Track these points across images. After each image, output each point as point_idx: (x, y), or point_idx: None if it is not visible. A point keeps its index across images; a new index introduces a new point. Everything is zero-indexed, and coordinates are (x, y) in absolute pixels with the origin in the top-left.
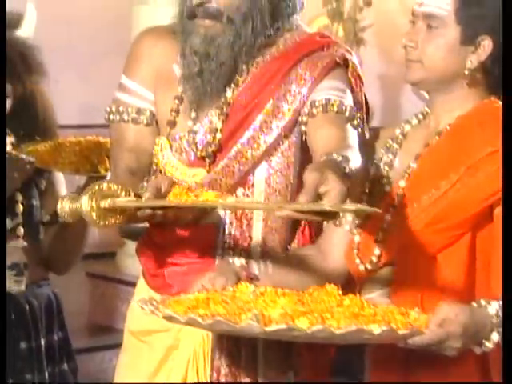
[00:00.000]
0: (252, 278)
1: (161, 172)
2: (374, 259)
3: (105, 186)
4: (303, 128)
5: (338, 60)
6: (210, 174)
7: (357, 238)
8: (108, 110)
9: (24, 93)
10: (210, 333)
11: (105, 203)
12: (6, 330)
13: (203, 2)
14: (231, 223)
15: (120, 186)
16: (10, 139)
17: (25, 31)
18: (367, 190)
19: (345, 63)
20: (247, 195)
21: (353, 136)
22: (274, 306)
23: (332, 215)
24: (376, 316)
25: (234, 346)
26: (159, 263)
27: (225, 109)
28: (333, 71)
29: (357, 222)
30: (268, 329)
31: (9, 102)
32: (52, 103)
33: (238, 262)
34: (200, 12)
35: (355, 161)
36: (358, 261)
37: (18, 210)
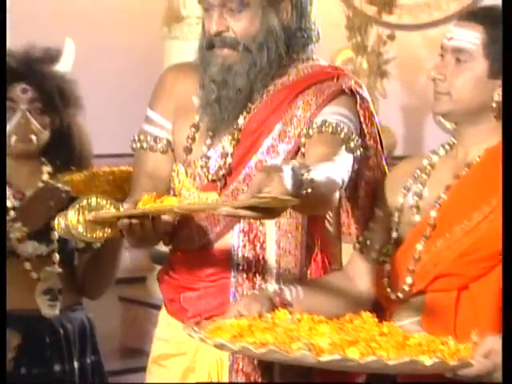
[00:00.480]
0: (285, 304)
1: (176, 197)
2: (406, 288)
3: (93, 200)
4: (302, 150)
5: (345, 89)
6: (221, 198)
7: (387, 267)
8: (132, 138)
9: (61, 125)
10: (224, 355)
11: (89, 216)
12: (6, 331)
13: (221, 32)
14: (244, 246)
15: (110, 201)
16: (46, 169)
17: (63, 66)
18: (397, 219)
19: (353, 94)
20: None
21: (342, 155)
22: (318, 334)
23: (272, 213)
24: (422, 346)
25: (250, 367)
26: (175, 288)
27: (236, 134)
28: (338, 98)
29: (384, 250)
30: (322, 359)
31: (46, 134)
32: (87, 134)
33: (271, 287)
34: (218, 42)
35: (323, 173)
36: (388, 289)
37: (54, 237)
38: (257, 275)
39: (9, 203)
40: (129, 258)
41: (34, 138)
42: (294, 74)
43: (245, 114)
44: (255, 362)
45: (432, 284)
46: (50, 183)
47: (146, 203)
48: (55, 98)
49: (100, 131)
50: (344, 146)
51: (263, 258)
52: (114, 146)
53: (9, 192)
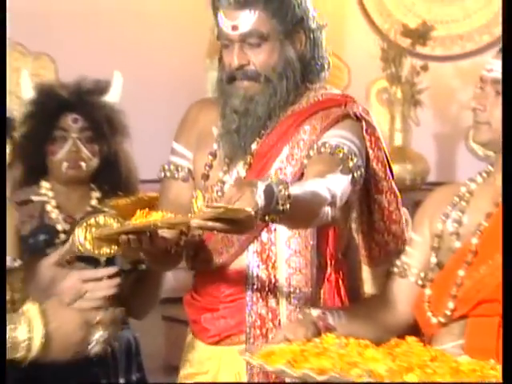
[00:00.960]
0: (329, 328)
1: None
2: (448, 313)
3: (101, 218)
4: (304, 170)
5: (350, 114)
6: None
7: (427, 291)
8: (160, 168)
9: (109, 152)
10: (242, 371)
11: (94, 233)
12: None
13: (242, 65)
14: (258, 266)
15: (117, 219)
16: (95, 194)
17: (112, 97)
18: (436, 245)
19: (358, 119)
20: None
21: (336, 173)
22: (372, 360)
23: (240, 227)
24: (476, 372)
25: (265, 382)
26: (197, 309)
27: (249, 159)
28: (342, 122)
29: (422, 274)
30: None
31: (95, 161)
32: (134, 161)
33: (315, 312)
34: (239, 75)
35: (304, 188)
36: (429, 314)
37: (101, 259)
38: (269, 294)
39: (59, 227)
40: (172, 278)
41: (83, 164)
42: (305, 101)
43: (258, 139)
44: (271, 379)
45: (474, 309)
46: (98, 208)
47: (138, 219)
48: (104, 127)
49: (146, 158)
50: (342, 166)
51: (275, 277)
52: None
53: (60, 216)
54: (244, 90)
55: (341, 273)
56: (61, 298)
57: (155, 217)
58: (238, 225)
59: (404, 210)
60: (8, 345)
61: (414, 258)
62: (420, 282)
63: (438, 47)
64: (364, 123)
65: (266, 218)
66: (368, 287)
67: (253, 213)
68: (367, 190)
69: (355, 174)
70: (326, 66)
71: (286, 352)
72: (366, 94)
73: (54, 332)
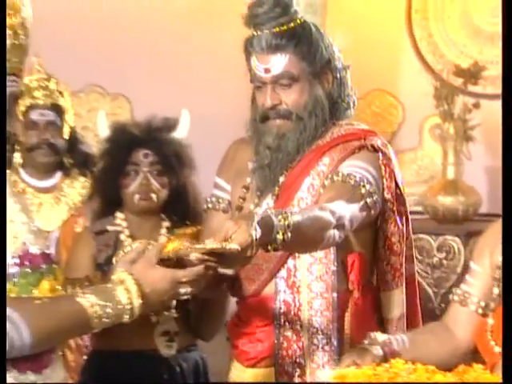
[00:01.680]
0: (394, 354)
1: None
2: None
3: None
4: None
5: (367, 145)
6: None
7: (490, 321)
8: (204, 200)
9: (177, 184)
10: None
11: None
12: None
13: (275, 105)
14: (284, 291)
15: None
16: (165, 224)
17: (180, 133)
18: (497, 276)
19: (375, 151)
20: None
21: (343, 199)
22: None
23: (237, 260)
24: None
25: None
26: (237, 334)
27: (276, 191)
28: (358, 153)
29: (483, 303)
30: None
31: (165, 192)
32: (201, 192)
33: (381, 337)
34: (272, 114)
35: (305, 215)
36: (492, 343)
37: None
38: (294, 317)
39: None
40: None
41: (154, 196)
42: (329, 136)
43: (285, 172)
44: None
45: None
46: (167, 237)
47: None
48: (172, 161)
49: (212, 190)
50: (353, 192)
51: (298, 301)
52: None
53: (133, 245)
54: (277, 127)
55: (369, 297)
56: (148, 260)
57: (171, 246)
58: (232, 259)
59: (456, 240)
60: (114, 311)
61: (475, 287)
62: (480, 311)
63: (489, 86)
64: (380, 154)
65: (269, 247)
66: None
67: (239, 249)
68: (376, 217)
69: (368, 200)
70: (351, 104)
71: (359, 375)
72: (419, 129)
73: (149, 292)
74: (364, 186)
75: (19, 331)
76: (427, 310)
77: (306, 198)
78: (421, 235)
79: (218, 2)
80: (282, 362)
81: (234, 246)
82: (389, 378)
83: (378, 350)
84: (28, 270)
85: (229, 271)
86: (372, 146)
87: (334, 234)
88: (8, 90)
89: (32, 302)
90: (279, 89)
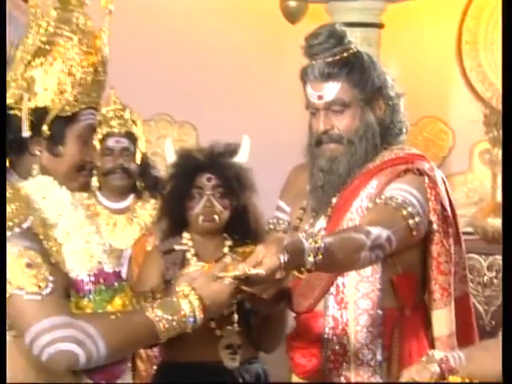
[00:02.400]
0: (451, 371)
1: None
2: None
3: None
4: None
5: (413, 170)
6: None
7: None
8: (266, 222)
9: (239, 206)
10: None
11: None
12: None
13: (327, 130)
14: (333, 307)
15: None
16: (228, 243)
17: (241, 158)
18: None
19: (421, 174)
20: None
21: (384, 221)
22: None
23: (266, 282)
24: None
25: None
26: (293, 347)
27: (329, 212)
28: (403, 176)
29: None
30: None
31: (227, 214)
32: (261, 213)
33: (438, 354)
34: (325, 138)
35: (337, 237)
36: None
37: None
38: (342, 332)
39: None
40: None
41: (217, 217)
42: (379, 160)
43: (337, 194)
44: None
45: None
46: (226, 253)
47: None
48: (234, 184)
49: (272, 210)
50: (395, 214)
51: (345, 316)
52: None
53: (197, 263)
54: (329, 151)
55: (420, 315)
56: (209, 276)
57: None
58: (262, 281)
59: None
60: (178, 324)
61: None
62: None
63: None
64: (426, 178)
65: (301, 269)
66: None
67: (264, 273)
68: (424, 238)
69: (410, 222)
70: (404, 130)
71: None
72: (469, 154)
73: (209, 304)
74: (405, 208)
75: (96, 344)
76: (478, 327)
77: (355, 220)
78: (471, 255)
79: (277, 34)
80: (329, 374)
81: (258, 270)
82: None
83: (435, 368)
84: (102, 287)
85: (264, 292)
86: (418, 169)
87: (371, 254)
88: (87, 122)
89: (107, 317)
90: (332, 114)
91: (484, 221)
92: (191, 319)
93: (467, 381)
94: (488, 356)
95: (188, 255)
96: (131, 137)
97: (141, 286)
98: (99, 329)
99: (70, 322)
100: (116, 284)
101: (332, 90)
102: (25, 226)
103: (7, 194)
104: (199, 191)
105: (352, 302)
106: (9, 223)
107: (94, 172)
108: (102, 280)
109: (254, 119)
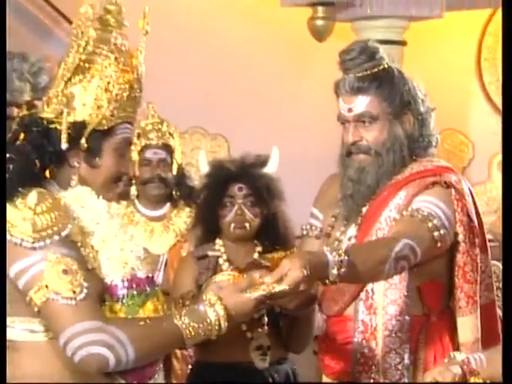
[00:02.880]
0: (472, 372)
1: None
2: None
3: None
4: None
5: (441, 182)
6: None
7: None
8: (300, 227)
9: (268, 214)
10: None
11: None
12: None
13: (356, 141)
14: (362, 312)
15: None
16: (258, 248)
17: (270, 168)
18: None
19: (449, 187)
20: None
21: (410, 234)
22: None
23: (293, 295)
24: None
25: None
26: (323, 349)
27: (359, 220)
28: (431, 189)
29: None
30: None
31: (257, 221)
32: (290, 220)
33: (460, 357)
34: (354, 149)
35: (361, 250)
36: None
37: None
38: (371, 336)
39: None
40: (321, 319)
41: (247, 225)
42: (408, 171)
43: (367, 203)
44: None
45: None
46: (258, 260)
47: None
48: (264, 194)
49: (300, 217)
50: (420, 226)
51: (374, 321)
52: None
53: (229, 268)
54: (358, 162)
55: (446, 321)
56: (236, 287)
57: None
58: (288, 294)
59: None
60: (204, 331)
61: None
62: None
63: None
64: (453, 190)
65: (326, 281)
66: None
67: (287, 288)
68: (450, 248)
69: (434, 234)
70: (433, 143)
71: None
72: (488, 165)
73: (234, 315)
74: (431, 221)
75: (125, 348)
76: (499, 331)
77: (384, 229)
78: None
79: (304, 51)
80: (359, 376)
81: (281, 288)
82: None
83: (457, 369)
84: (134, 292)
85: (289, 304)
86: (445, 182)
87: (395, 265)
88: (123, 135)
89: (137, 323)
90: (361, 126)
91: None
92: (216, 327)
93: (488, 382)
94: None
95: (220, 261)
96: (168, 148)
97: (176, 290)
98: (129, 334)
99: (101, 326)
100: (148, 289)
101: (361, 103)
102: (63, 234)
103: (47, 204)
104: (231, 200)
105: (381, 308)
106: (48, 231)
107: (133, 181)
108: (134, 285)
109: (283, 132)
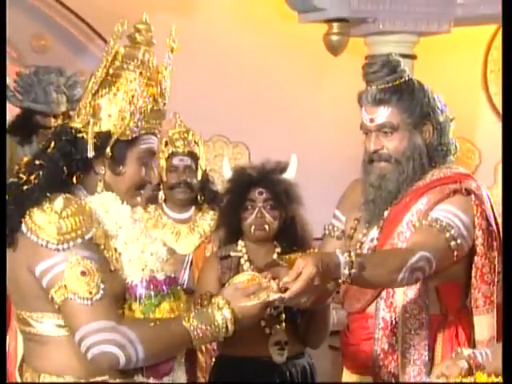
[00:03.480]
0: (478, 366)
1: None
2: None
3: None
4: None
5: (461, 189)
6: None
7: None
8: (323, 227)
9: (287, 217)
10: None
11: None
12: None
13: (377, 150)
14: (383, 309)
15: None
16: (277, 249)
17: (289, 174)
18: None
19: (469, 194)
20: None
21: (427, 244)
22: None
23: (309, 292)
24: None
25: None
26: (346, 344)
27: (381, 223)
28: (452, 197)
29: None
30: None
31: (276, 224)
32: (308, 223)
33: (466, 352)
34: (375, 157)
35: (374, 256)
36: None
37: None
38: (391, 333)
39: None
40: (335, 315)
41: (267, 227)
42: (428, 178)
43: (389, 208)
44: None
45: None
46: (274, 259)
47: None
48: (283, 198)
49: (318, 220)
50: (438, 236)
51: (395, 319)
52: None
53: (250, 268)
54: (379, 169)
55: (463, 320)
56: (245, 291)
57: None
58: (305, 292)
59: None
60: (211, 333)
61: None
62: None
63: None
64: (473, 196)
65: (339, 280)
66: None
67: (285, 297)
68: (469, 250)
69: (451, 244)
70: (452, 151)
71: None
72: (494, 171)
73: (241, 318)
74: (449, 231)
75: (135, 348)
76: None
77: (405, 233)
78: None
79: (320, 65)
80: (378, 371)
81: (275, 296)
82: None
83: (463, 363)
84: (152, 292)
85: (303, 304)
86: (466, 189)
87: (410, 275)
88: (146, 146)
89: (147, 324)
90: (382, 136)
91: None
92: (223, 330)
93: (493, 377)
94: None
95: (242, 261)
96: (193, 156)
97: (200, 288)
98: (139, 334)
99: (114, 326)
100: (165, 290)
101: (383, 114)
102: (87, 237)
103: (72, 209)
104: (252, 204)
105: (400, 307)
106: (72, 234)
107: (161, 186)
108: (152, 286)
109: (301, 140)
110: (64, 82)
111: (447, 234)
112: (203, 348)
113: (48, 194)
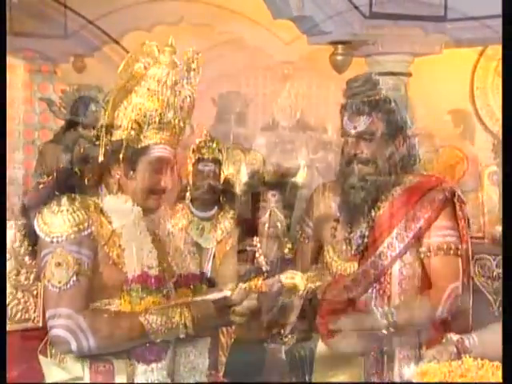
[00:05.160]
0: (466, 351)
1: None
2: None
3: None
4: (423, 259)
5: (447, 195)
6: (361, 266)
7: None
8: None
9: (296, 216)
10: None
11: None
12: (6, 329)
13: (357, 154)
14: (376, 298)
15: None
16: (288, 245)
17: (299, 178)
18: None
19: (452, 196)
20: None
21: (446, 275)
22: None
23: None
24: None
25: None
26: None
27: (370, 223)
28: (444, 210)
29: None
30: None
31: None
32: None
33: (455, 337)
34: (355, 159)
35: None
36: None
37: None
38: (384, 320)
39: (263, 268)
40: None
41: (279, 225)
42: (407, 183)
43: (376, 209)
44: None
45: None
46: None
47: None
48: (293, 199)
49: None
50: (449, 259)
51: (388, 306)
52: None
53: (264, 261)
54: (358, 170)
55: (459, 320)
56: (207, 292)
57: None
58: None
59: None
60: (169, 330)
61: None
62: None
63: None
64: (457, 202)
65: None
66: None
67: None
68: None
69: (459, 253)
70: (417, 162)
71: (437, 372)
72: (480, 175)
73: (200, 318)
74: (451, 249)
75: (86, 336)
76: (488, 314)
77: (403, 235)
78: (483, 255)
79: (327, 83)
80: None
81: (221, 294)
82: (461, 373)
83: (453, 348)
84: (139, 286)
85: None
86: (451, 193)
87: (450, 308)
88: (156, 154)
89: (103, 316)
90: (362, 141)
91: (493, 228)
92: (181, 327)
93: (479, 360)
94: (496, 337)
95: (257, 254)
96: (216, 162)
97: (220, 277)
98: (91, 325)
99: (71, 314)
100: (153, 286)
101: (364, 122)
102: (84, 233)
103: (74, 207)
104: (265, 204)
105: (396, 296)
106: (67, 229)
107: (188, 188)
108: (141, 281)
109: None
110: (102, 98)
111: (452, 251)
112: (224, 330)
113: (56, 193)
